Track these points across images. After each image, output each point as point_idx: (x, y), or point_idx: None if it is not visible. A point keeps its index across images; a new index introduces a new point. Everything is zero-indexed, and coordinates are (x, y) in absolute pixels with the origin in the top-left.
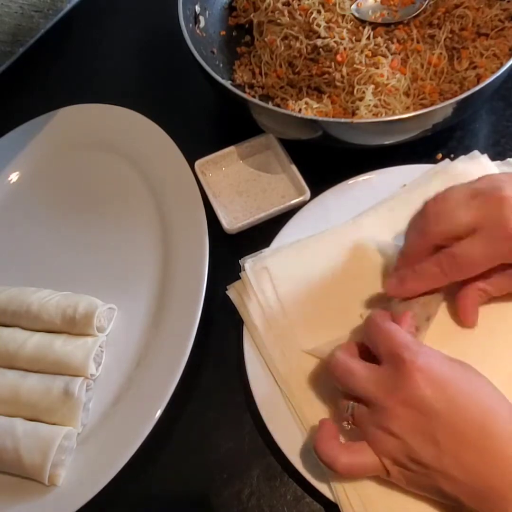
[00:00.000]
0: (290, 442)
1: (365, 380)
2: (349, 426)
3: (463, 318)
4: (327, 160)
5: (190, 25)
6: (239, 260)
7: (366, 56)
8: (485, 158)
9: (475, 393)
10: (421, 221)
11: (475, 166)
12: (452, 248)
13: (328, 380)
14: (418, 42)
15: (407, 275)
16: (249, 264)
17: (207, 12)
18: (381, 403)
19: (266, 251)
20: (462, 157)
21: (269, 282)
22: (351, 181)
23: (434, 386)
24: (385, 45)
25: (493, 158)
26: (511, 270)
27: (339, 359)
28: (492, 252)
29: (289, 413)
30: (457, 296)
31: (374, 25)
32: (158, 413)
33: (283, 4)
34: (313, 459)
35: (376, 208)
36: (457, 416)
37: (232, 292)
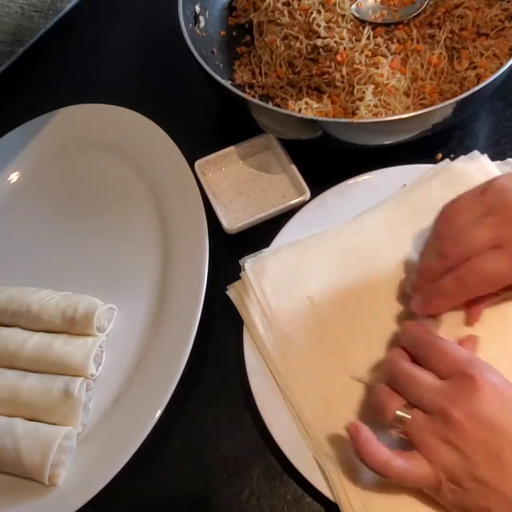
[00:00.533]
0: (290, 442)
1: (431, 389)
2: (399, 435)
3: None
4: (327, 160)
5: (190, 25)
6: (239, 260)
7: (366, 56)
8: (485, 158)
9: None
10: (437, 243)
11: (475, 166)
12: (472, 263)
13: (328, 381)
14: (418, 42)
15: (431, 293)
16: (249, 264)
17: (207, 12)
18: (447, 415)
19: (266, 251)
20: (462, 157)
21: (269, 282)
22: (351, 181)
23: (503, 404)
24: (385, 45)
25: (493, 158)
26: None
27: (400, 365)
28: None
29: (289, 413)
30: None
31: (374, 25)
32: (158, 413)
33: (283, 4)
34: (313, 459)
35: (376, 208)
36: None
37: (232, 292)
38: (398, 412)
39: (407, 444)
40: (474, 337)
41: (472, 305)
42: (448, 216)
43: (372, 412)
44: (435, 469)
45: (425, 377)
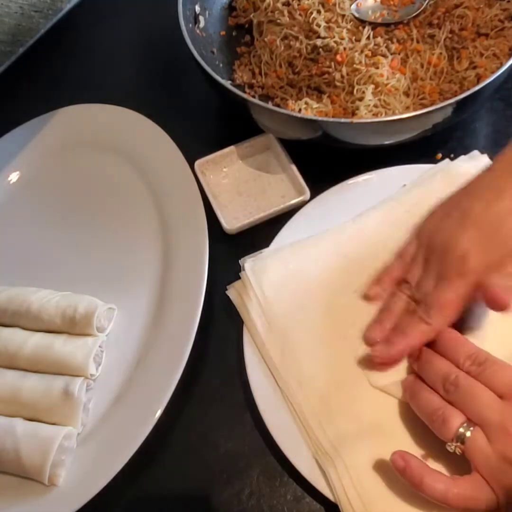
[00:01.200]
0: (290, 442)
1: (493, 409)
2: (455, 449)
3: (492, 304)
4: (327, 160)
5: (190, 25)
6: (239, 260)
7: (366, 56)
8: (485, 158)
9: None
10: (414, 247)
11: (475, 166)
12: (426, 299)
13: (328, 381)
14: (418, 42)
15: (393, 336)
16: (249, 264)
17: (207, 12)
18: (507, 434)
19: (266, 251)
20: (462, 157)
21: (269, 282)
22: (351, 181)
23: None
24: (385, 45)
25: (493, 158)
26: None
27: (462, 380)
28: (460, 287)
29: (289, 413)
30: (482, 290)
31: (374, 25)
32: (158, 413)
33: (283, 4)
34: (313, 459)
35: (376, 208)
36: None
37: (232, 292)
38: (461, 429)
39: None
40: None
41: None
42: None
43: (430, 424)
44: (497, 491)
45: (485, 394)
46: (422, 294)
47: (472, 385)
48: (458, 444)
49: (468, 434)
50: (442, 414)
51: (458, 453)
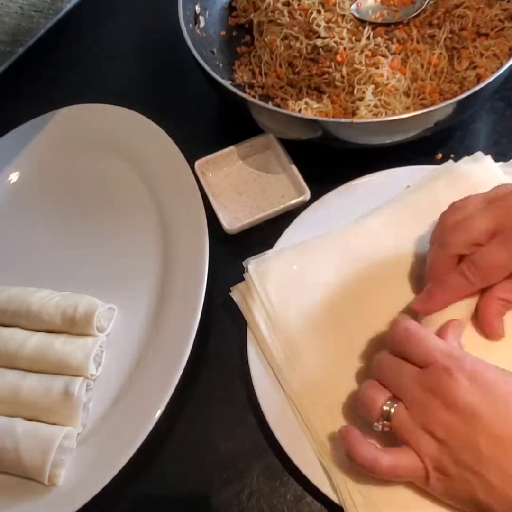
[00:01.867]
0: (293, 443)
1: (411, 380)
2: (383, 428)
3: (487, 330)
4: (327, 160)
5: (190, 25)
6: (243, 262)
7: (366, 56)
8: (489, 159)
9: None
10: (439, 233)
11: (479, 167)
12: (473, 255)
13: (333, 383)
14: (418, 42)
15: (434, 288)
16: (253, 265)
17: (207, 12)
18: (425, 404)
19: (269, 252)
20: (466, 158)
21: (273, 284)
22: (354, 182)
23: (479, 392)
24: (385, 45)
25: (493, 158)
26: None
27: (383, 357)
28: None
29: (292, 414)
30: (478, 309)
31: (374, 25)
32: (158, 413)
33: (283, 4)
34: (316, 460)
35: (380, 209)
36: (501, 422)
37: (236, 293)
38: (385, 407)
39: (395, 440)
40: (456, 321)
41: (482, 316)
42: (451, 208)
43: (360, 410)
44: (423, 458)
45: (405, 366)
46: (468, 236)
47: (392, 359)
48: (385, 422)
49: (392, 411)
50: (366, 395)
51: (386, 431)
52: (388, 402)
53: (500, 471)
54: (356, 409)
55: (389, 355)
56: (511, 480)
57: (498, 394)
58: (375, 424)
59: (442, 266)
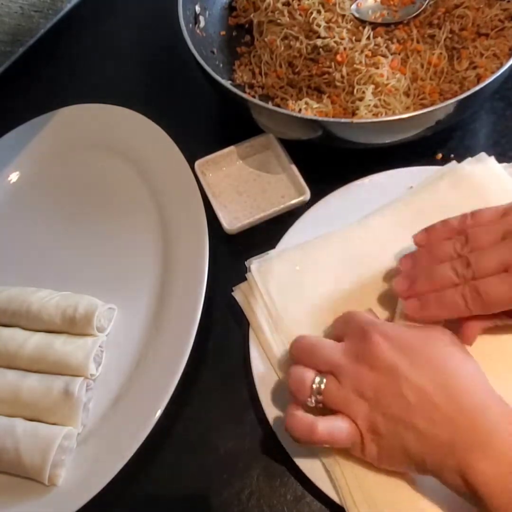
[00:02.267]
0: (294, 444)
1: (332, 351)
2: (315, 403)
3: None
4: (327, 160)
5: (190, 25)
6: (245, 262)
7: (366, 56)
8: (492, 160)
9: (433, 350)
10: (458, 238)
11: (482, 168)
12: (478, 283)
13: None
14: (418, 42)
15: (431, 301)
16: (255, 265)
17: (207, 12)
18: (351, 369)
19: (272, 252)
20: (469, 159)
21: (276, 284)
22: (357, 182)
23: (394, 347)
24: (385, 45)
25: (495, 158)
26: None
27: (303, 338)
28: None
29: None
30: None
31: (374, 25)
32: (158, 413)
33: (283, 4)
34: (316, 459)
35: (382, 210)
36: (419, 372)
37: (238, 293)
38: (314, 385)
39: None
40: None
41: (467, 327)
42: (473, 224)
43: (291, 394)
44: (355, 421)
45: (325, 341)
46: (477, 270)
47: (312, 338)
48: (317, 396)
49: (322, 386)
50: (294, 376)
51: (319, 407)
52: (317, 379)
53: (426, 415)
54: (290, 395)
55: (306, 338)
56: (436, 423)
57: (414, 347)
58: (309, 399)
59: (442, 252)
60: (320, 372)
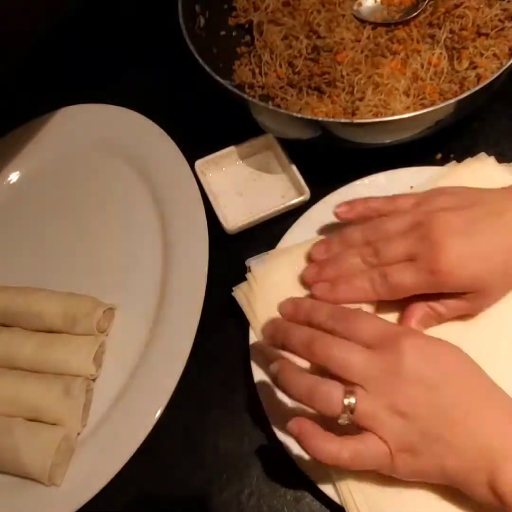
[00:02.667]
0: (294, 444)
1: (365, 363)
2: (347, 421)
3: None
4: (327, 160)
5: (190, 25)
6: (245, 261)
7: (366, 56)
8: (492, 160)
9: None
10: (368, 229)
11: (482, 168)
12: (386, 268)
13: None
14: (418, 42)
15: (340, 284)
16: (255, 265)
17: (207, 12)
18: (384, 384)
19: (272, 252)
20: (470, 159)
21: (276, 284)
22: (357, 183)
23: (429, 361)
24: (385, 45)
25: (496, 159)
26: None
27: (328, 339)
28: (421, 281)
29: (295, 414)
30: (404, 313)
31: (374, 25)
32: (158, 413)
33: (283, 4)
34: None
35: None
36: (455, 386)
37: (238, 293)
38: (345, 401)
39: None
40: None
41: (403, 320)
42: (389, 210)
43: (310, 406)
44: (387, 441)
45: (355, 353)
46: (384, 258)
47: (338, 344)
48: (348, 414)
49: (352, 401)
50: (320, 392)
51: (346, 422)
52: (347, 395)
53: (466, 432)
54: (313, 408)
55: (331, 338)
56: (471, 435)
57: (444, 361)
58: (342, 418)
59: (351, 242)
60: (346, 386)
